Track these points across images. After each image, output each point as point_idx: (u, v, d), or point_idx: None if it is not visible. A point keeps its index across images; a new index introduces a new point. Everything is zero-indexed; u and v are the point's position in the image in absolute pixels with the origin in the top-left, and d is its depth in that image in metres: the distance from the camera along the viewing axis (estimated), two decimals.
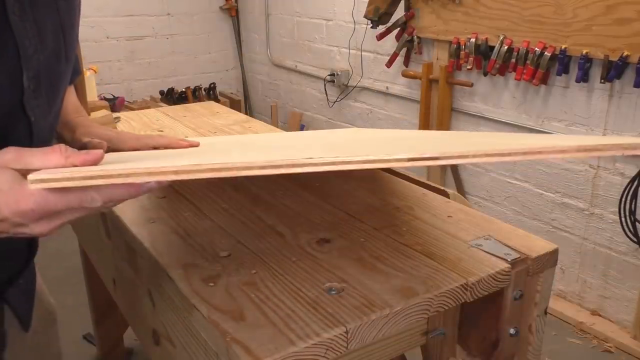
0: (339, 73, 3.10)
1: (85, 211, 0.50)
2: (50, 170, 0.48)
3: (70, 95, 0.90)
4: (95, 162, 0.50)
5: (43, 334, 0.92)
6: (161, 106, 2.54)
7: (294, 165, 0.48)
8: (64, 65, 0.70)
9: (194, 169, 0.48)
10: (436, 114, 2.53)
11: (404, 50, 2.60)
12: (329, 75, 3.15)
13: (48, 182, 0.47)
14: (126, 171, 0.47)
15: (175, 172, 0.48)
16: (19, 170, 0.49)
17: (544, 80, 2.07)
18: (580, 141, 0.48)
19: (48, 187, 0.47)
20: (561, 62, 1.98)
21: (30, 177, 0.47)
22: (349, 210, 0.89)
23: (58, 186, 0.47)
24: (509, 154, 0.48)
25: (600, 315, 2.15)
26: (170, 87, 3.75)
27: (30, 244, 0.78)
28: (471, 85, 2.36)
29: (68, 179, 0.47)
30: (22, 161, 0.49)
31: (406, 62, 2.63)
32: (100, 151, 0.51)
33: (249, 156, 0.54)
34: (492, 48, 2.19)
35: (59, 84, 0.70)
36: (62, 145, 0.50)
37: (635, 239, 1.89)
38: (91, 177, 0.47)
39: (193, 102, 3.59)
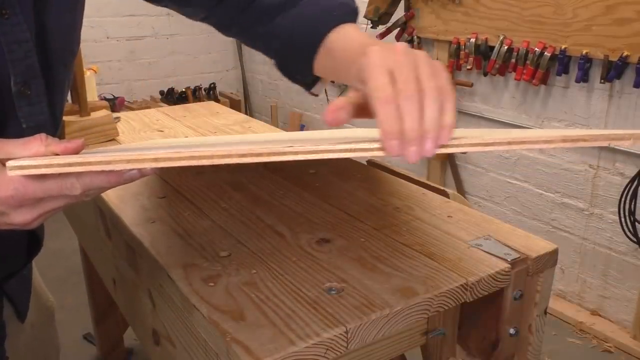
0: None
1: (66, 199, 0.50)
2: (29, 158, 0.48)
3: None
4: (76, 151, 0.50)
5: (42, 328, 0.93)
6: (161, 106, 2.54)
7: (274, 154, 0.48)
8: (62, 70, 0.69)
9: (174, 157, 0.48)
10: None
11: None
12: None
13: (27, 168, 0.47)
14: (105, 159, 0.47)
15: (155, 160, 0.48)
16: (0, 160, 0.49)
17: (544, 81, 2.07)
18: (567, 132, 0.48)
19: (27, 174, 0.47)
20: (561, 62, 1.98)
21: (9, 164, 0.47)
22: (349, 210, 0.89)
23: (37, 173, 0.47)
24: (492, 144, 0.48)
25: (600, 315, 2.15)
26: (170, 87, 3.75)
27: (31, 242, 0.78)
28: (471, 85, 2.36)
29: (47, 166, 0.47)
30: (3, 151, 0.49)
31: None
32: (81, 140, 0.51)
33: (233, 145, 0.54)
34: (492, 48, 2.19)
35: (57, 88, 0.69)
36: (43, 135, 0.50)
37: (635, 239, 1.89)
38: (70, 165, 0.47)
39: (193, 102, 3.59)
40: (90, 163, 0.47)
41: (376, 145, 0.48)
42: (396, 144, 0.46)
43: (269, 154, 0.48)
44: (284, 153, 0.48)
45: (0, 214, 0.49)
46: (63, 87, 0.71)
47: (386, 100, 0.46)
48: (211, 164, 0.48)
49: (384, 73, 0.48)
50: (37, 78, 0.63)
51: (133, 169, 0.50)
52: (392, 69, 0.48)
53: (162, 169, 1.08)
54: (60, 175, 0.48)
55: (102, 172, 0.48)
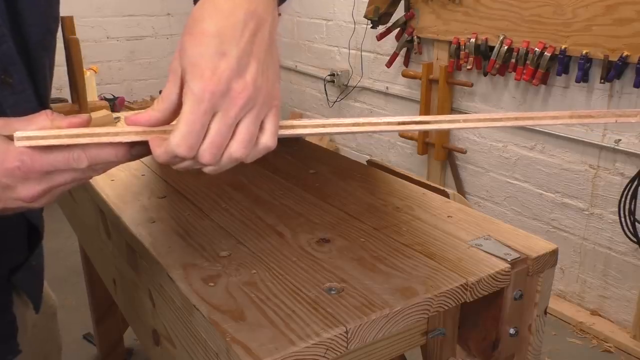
0: (339, 73, 3.10)
1: (73, 174, 0.50)
2: (36, 130, 0.48)
3: None
4: (82, 125, 0.50)
5: (44, 327, 0.92)
6: None
7: (282, 127, 0.50)
8: (41, 52, 0.66)
9: None
10: (436, 114, 2.53)
11: (404, 50, 2.60)
12: (329, 75, 3.15)
13: (34, 139, 0.47)
14: (114, 130, 0.47)
15: (164, 132, 0.48)
16: (6, 137, 0.49)
17: (544, 81, 2.07)
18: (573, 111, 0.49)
19: (34, 145, 0.47)
20: (561, 62, 1.98)
21: (17, 134, 0.47)
22: (349, 210, 0.89)
23: (44, 144, 0.47)
24: (500, 119, 0.49)
25: (600, 315, 2.15)
26: None
27: (31, 233, 0.77)
28: (471, 85, 2.36)
29: (54, 137, 0.47)
30: (9, 127, 0.49)
31: (406, 62, 2.63)
32: (87, 114, 0.51)
33: None
34: (492, 48, 2.19)
35: (40, 72, 0.66)
36: (49, 110, 0.50)
37: (635, 239, 1.89)
38: (77, 136, 0.47)
39: None
40: (98, 134, 0.47)
41: (386, 120, 0.50)
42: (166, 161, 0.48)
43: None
44: (292, 127, 0.51)
45: (6, 188, 0.49)
46: (45, 70, 0.68)
47: (183, 160, 0.48)
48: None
49: (200, 126, 0.46)
50: (17, 64, 0.61)
51: (141, 144, 0.49)
52: (216, 112, 0.47)
53: (162, 169, 1.08)
54: (66, 147, 0.48)
55: (110, 144, 0.48)
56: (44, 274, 0.91)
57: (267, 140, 0.50)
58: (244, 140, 0.48)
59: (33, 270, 0.80)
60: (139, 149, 0.50)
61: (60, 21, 0.70)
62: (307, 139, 1.28)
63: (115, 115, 1.44)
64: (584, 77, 1.94)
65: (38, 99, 0.65)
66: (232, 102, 0.46)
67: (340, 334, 0.59)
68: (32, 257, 0.78)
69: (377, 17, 2.52)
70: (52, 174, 0.49)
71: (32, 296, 0.81)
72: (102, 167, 0.51)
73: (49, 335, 0.96)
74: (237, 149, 0.48)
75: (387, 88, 2.85)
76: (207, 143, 0.47)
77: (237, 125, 0.48)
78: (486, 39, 2.21)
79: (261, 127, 0.50)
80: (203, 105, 0.46)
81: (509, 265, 0.72)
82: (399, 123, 0.49)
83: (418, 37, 2.50)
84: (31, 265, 0.78)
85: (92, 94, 2.91)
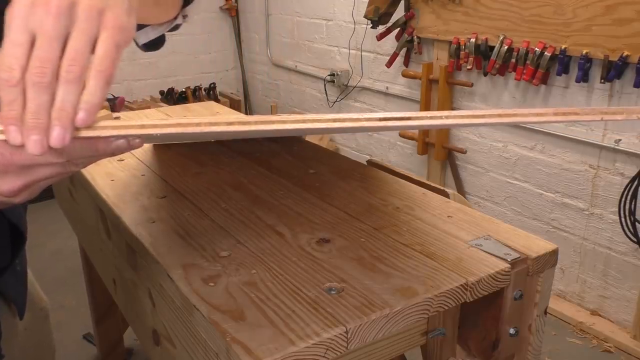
0: (339, 73, 3.10)
1: (53, 168, 0.49)
2: None
3: None
4: None
5: (36, 331, 0.92)
6: (161, 106, 2.54)
7: (262, 122, 0.49)
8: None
9: (161, 124, 0.48)
10: None
11: (404, 50, 2.60)
12: (329, 75, 3.15)
13: None
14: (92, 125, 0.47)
15: (142, 127, 0.48)
16: None
17: (544, 81, 2.07)
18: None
19: None
20: (561, 62, 1.98)
21: None
22: (349, 210, 0.89)
23: None
24: (483, 116, 0.48)
25: (600, 315, 2.15)
26: (170, 87, 3.75)
27: (14, 235, 0.77)
28: (471, 85, 2.36)
29: None
30: None
31: (406, 62, 2.63)
32: None
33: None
34: (492, 48, 2.19)
35: None
36: None
37: (635, 239, 1.89)
38: None
39: (193, 102, 3.59)
40: (76, 129, 0.47)
41: (367, 116, 0.48)
42: (14, 130, 0.44)
43: (256, 123, 0.48)
44: (272, 122, 0.48)
45: None
46: None
47: (8, 84, 0.44)
48: (199, 131, 0.48)
49: (16, 45, 0.44)
50: None
51: (120, 138, 0.49)
52: (34, 33, 0.44)
53: (162, 169, 1.08)
54: None
55: (89, 139, 0.48)
56: (44, 274, 0.90)
57: (102, 60, 0.45)
58: (69, 56, 0.45)
59: (17, 275, 0.80)
60: (119, 144, 0.50)
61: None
62: (306, 138, 1.28)
63: (115, 115, 1.44)
64: (584, 77, 1.94)
65: None
66: (44, 13, 0.44)
67: (340, 334, 0.59)
68: (16, 261, 0.78)
69: (377, 17, 2.52)
70: (31, 168, 0.49)
71: (16, 301, 0.81)
72: (84, 161, 0.50)
73: (41, 339, 0.95)
74: (65, 66, 0.45)
75: (387, 88, 2.85)
76: (32, 60, 0.44)
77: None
78: (486, 39, 2.21)
79: (94, 49, 0.46)
80: (13, 25, 0.44)
81: (509, 265, 0.72)
82: (380, 119, 0.48)
83: (418, 37, 2.50)
84: (16, 269, 0.78)
85: None
